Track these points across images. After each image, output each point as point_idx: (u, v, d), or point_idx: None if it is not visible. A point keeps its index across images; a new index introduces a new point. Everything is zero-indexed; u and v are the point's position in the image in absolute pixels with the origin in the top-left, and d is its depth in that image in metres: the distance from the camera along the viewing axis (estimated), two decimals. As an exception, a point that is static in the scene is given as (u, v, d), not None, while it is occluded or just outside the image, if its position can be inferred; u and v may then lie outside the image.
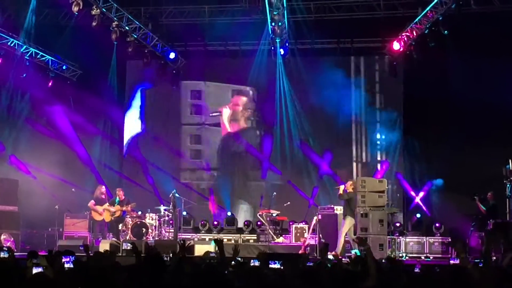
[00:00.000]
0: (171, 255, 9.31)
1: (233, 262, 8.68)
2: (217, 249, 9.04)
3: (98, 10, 20.32)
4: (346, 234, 19.18)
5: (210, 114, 25.42)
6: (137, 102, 26.09)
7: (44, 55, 23.68)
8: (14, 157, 23.25)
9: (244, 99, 25.42)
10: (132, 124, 26.10)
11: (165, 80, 25.41)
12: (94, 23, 20.39)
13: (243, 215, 24.58)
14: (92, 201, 21.75)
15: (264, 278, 6.96)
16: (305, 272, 7.29)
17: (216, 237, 20.17)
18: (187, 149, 25.92)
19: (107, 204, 21.77)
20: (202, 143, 25.88)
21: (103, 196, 21.92)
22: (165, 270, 7.36)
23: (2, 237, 20.85)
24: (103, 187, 22.29)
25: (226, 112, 25.36)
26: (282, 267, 8.15)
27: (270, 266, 8.33)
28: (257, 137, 25.37)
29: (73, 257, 8.72)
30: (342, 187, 19.63)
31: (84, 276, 6.59)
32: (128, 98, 26.11)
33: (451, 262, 14.42)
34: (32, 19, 22.45)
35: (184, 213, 23.14)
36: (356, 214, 19.08)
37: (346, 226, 19.14)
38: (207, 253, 10.77)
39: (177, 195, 21.93)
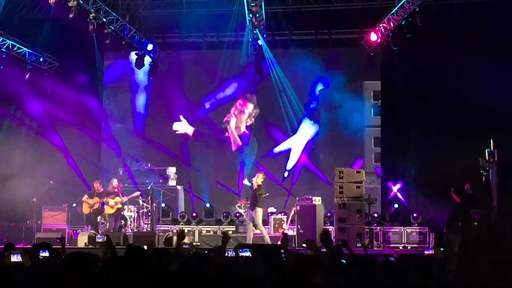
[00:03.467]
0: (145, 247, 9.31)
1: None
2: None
3: (75, 2, 20.17)
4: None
5: (220, 127, 24.39)
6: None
7: (21, 47, 23.52)
8: None
9: (251, 105, 24.79)
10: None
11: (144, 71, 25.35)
12: (71, 15, 20.28)
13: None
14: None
15: (238, 269, 6.98)
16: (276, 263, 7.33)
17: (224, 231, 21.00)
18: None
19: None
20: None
21: (116, 190, 21.91)
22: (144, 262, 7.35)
23: None
24: (115, 180, 22.26)
25: (233, 121, 24.10)
26: (251, 255, 8.20)
27: (241, 254, 8.39)
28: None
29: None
30: (246, 181, 20.00)
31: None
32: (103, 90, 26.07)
33: (426, 252, 14.59)
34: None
35: (163, 205, 23.18)
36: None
37: (260, 217, 19.43)
38: (182, 244, 10.75)
39: (155, 187, 22.04)
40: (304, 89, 24.40)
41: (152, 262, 7.00)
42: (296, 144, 24.34)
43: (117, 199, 21.54)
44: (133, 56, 24.82)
